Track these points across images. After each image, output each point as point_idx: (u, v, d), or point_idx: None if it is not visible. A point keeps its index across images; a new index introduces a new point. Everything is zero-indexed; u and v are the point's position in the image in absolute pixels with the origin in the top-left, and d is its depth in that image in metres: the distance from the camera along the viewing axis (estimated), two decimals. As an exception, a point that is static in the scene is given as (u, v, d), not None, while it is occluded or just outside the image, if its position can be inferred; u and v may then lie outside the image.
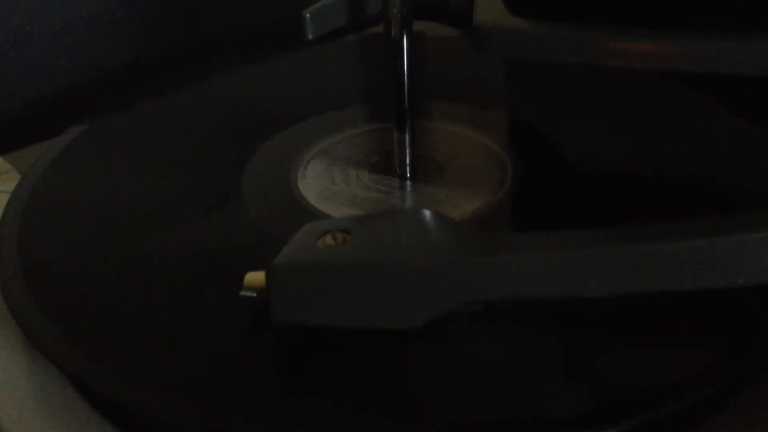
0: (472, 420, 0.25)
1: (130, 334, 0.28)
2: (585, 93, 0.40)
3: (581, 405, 0.25)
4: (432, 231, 0.27)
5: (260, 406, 0.26)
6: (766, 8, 0.38)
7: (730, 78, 0.30)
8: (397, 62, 0.34)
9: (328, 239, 0.27)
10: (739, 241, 0.24)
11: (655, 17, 0.33)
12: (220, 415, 0.25)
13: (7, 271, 0.31)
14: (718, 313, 0.28)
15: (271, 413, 0.25)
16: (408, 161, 0.35)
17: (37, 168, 0.36)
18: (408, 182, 0.35)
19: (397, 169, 0.35)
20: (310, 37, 0.36)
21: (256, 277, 0.27)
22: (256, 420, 0.25)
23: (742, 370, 0.26)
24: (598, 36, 0.32)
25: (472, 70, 0.43)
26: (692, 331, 0.27)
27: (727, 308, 0.28)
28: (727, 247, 0.24)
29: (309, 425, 0.25)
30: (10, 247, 0.32)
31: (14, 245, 0.32)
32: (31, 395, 0.28)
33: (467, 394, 0.26)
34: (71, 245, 0.32)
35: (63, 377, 0.28)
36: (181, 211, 0.34)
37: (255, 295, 0.27)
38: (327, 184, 0.35)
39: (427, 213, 0.28)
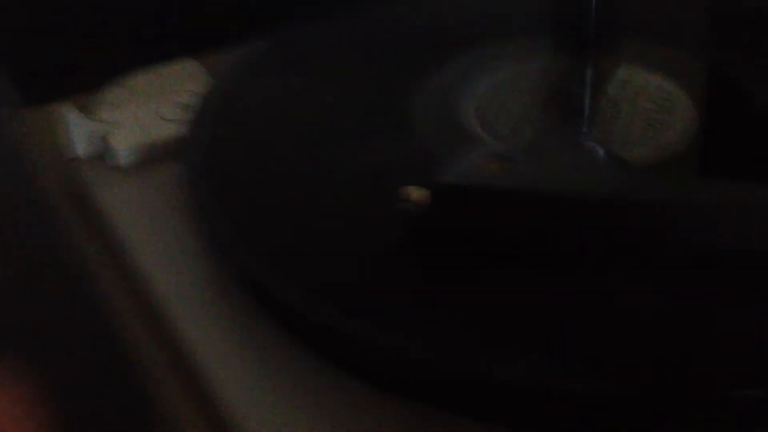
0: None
1: (299, 240, 0.29)
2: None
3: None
4: (600, 168, 0.27)
5: (401, 315, 0.26)
6: None
7: None
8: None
9: (494, 166, 0.27)
10: None
11: None
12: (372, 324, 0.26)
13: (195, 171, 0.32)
14: None
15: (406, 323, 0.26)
16: (586, 99, 0.34)
17: (230, 72, 0.38)
18: (584, 121, 0.34)
19: (574, 107, 0.35)
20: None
21: (416, 192, 0.28)
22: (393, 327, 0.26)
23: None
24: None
25: (668, 5, 0.41)
26: None
27: None
28: None
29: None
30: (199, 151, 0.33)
31: (203, 149, 0.33)
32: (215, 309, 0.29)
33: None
34: (251, 152, 0.34)
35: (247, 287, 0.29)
36: (350, 127, 0.34)
37: (413, 209, 0.27)
38: (497, 114, 0.35)
39: (597, 149, 0.27)
